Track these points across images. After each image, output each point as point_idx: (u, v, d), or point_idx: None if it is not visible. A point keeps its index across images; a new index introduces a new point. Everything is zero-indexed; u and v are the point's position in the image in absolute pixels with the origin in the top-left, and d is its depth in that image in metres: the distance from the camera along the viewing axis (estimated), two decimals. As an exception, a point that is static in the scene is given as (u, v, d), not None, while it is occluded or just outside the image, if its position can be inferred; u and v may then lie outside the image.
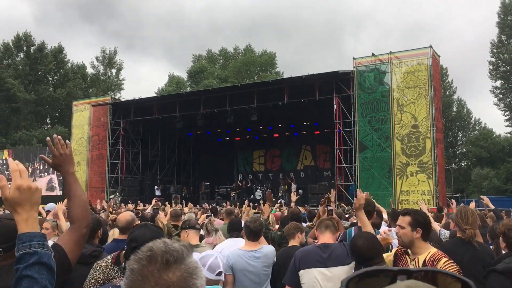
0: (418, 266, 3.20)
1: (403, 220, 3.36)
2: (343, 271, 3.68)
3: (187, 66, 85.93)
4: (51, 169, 29.54)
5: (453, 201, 8.08)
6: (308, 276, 3.73)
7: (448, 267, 3.12)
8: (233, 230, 5.33)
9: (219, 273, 2.85)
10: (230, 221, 5.92)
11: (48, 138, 2.25)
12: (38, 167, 30.43)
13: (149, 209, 9.05)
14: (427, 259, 3.21)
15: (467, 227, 4.00)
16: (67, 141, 2.30)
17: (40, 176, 30.26)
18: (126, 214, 4.96)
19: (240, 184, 26.65)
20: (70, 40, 77.75)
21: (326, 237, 3.96)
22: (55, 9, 76.01)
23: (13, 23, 66.04)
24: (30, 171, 30.63)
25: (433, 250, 3.32)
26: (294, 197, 8.78)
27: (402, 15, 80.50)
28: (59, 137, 2.27)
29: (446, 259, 3.21)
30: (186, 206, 14.75)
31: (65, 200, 6.65)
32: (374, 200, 5.71)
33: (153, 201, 9.40)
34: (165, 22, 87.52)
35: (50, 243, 4.13)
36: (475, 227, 4.11)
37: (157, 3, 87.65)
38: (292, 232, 4.90)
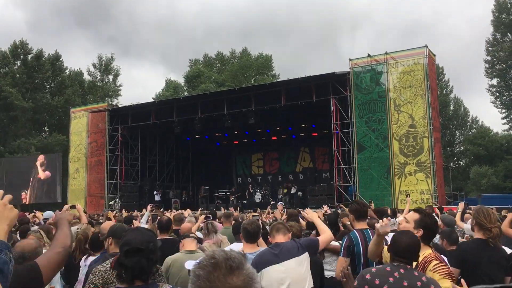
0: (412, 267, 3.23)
1: (412, 216, 3.49)
2: (295, 263, 3.94)
3: (183, 71, 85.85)
4: (47, 175, 29.52)
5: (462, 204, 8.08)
6: (265, 275, 3.91)
7: (439, 269, 3.15)
8: (239, 233, 5.34)
9: None
10: (234, 225, 5.98)
11: None
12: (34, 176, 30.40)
13: (145, 216, 9.04)
14: (419, 260, 3.23)
15: (492, 225, 3.99)
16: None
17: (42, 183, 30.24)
18: (108, 223, 5.06)
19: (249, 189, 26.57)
20: (64, 45, 77.13)
21: (278, 239, 4.21)
22: (48, 15, 75.70)
23: (6, 29, 65.81)
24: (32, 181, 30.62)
25: (427, 252, 3.34)
26: (280, 207, 9.07)
27: (398, 14, 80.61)
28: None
29: (437, 261, 3.24)
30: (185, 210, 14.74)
31: (66, 206, 6.70)
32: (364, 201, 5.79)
33: (148, 207, 9.38)
34: (160, 27, 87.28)
35: None
36: (497, 226, 4.12)
37: (151, 8, 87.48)
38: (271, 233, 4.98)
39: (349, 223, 5.89)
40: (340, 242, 4.74)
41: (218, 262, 1.21)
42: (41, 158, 30.69)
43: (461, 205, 7.78)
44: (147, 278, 2.43)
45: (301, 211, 7.40)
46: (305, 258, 4.04)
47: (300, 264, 3.96)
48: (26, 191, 30.12)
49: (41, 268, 2.19)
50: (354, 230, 4.60)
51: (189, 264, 2.92)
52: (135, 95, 75.12)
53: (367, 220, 4.84)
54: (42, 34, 71.89)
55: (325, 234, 4.48)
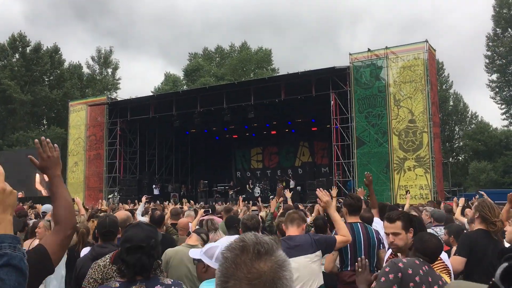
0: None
1: (396, 227, 3.33)
2: (306, 260, 3.75)
3: (182, 64, 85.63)
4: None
5: (462, 199, 8.07)
6: None
7: (437, 265, 3.16)
8: (230, 227, 5.33)
9: None
10: (227, 218, 5.90)
11: (36, 140, 2.32)
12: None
13: (140, 207, 9.01)
14: None
15: (496, 219, 4.01)
16: (55, 144, 2.36)
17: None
18: (121, 213, 4.99)
19: (249, 187, 26.56)
20: (62, 38, 76.74)
21: (291, 231, 4.00)
22: (46, 7, 75.22)
23: (4, 22, 65.43)
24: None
25: None
26: (288, 194, 8.77)
27: (398, 9, 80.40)
28: (48, 139, 2.33)
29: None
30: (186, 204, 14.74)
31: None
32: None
33: (143, 199, 9.35)
34: (158, 20, 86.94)
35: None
36: (500, 220, 4.13)
37: (149, 1, 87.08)
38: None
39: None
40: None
41: (246, 245, 1.18)
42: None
43: (461, 200, 7.79)
44: (148, 274, 2.44)
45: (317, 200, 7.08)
46: (317, 255, 3.87)
47: (312, 262, 3.80)
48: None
49: (49, 250, 2.05)
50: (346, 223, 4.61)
51: (193, 253, 2.90)
52: (133, 88, 74.99)
53: (361, 213, 4.88)
54: (39, 26, 71.63)
55: (343, 232, 4.04)
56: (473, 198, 7.99)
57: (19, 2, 74.89)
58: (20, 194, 30.47)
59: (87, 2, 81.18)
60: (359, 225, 4.54)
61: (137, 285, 2.41)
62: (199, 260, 2.79)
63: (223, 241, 4.92)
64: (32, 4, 74.28)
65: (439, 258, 3.22)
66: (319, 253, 3.86)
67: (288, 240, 3.90)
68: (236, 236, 4.21)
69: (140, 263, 2.38)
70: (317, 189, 4.30)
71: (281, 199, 9.24)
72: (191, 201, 15.86)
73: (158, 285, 2.45)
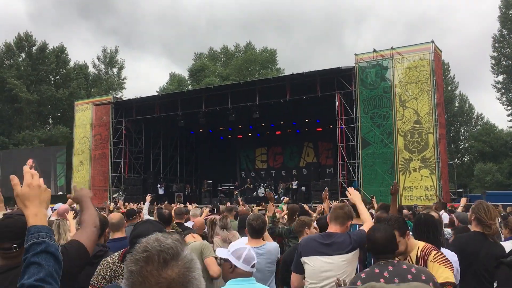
0: (412, 263, 3.26)
1: None
2: (341, 259, 3.69)
3: (186, 63, 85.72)
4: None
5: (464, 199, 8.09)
6: (309, 263, 3.77)
7: (439, 258, 3.17)
8: (243, 227, 5.32)
9: (254, 265, 2.89)
10: (239, 219, 5.91)
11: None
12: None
13: (145, 206, 9.04)
14: (418, 254, 3.28)
15: (492, 222, 3.99)
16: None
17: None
18: (115, 215, 5.05)
19: (249, 183, 26.57)
20: (66, 36, 76.65)
21: (333, 228, 3.93)
22: (50, 5, 75.17)
23: (7, 20, 65.53)
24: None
25: (421, 244, 3.39)
26: (285, 200, 8.90)
27: (404, 7, 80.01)
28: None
29: (436, 251, 3.28)
30: (190, 204, 14.81)
31: (69, 200, 6.69)
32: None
33: (147, 198, 9.39)
34: (162, 18, 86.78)
35: None
36: (496, 223, 4.11)
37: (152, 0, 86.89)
38: (300, 230, 4.89)
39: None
40: None
41: (150, 255, 1.14)
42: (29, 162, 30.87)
43: (463, 200, 7.81)
44: None
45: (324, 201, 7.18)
46: (355, 255, 3.80)
47: (349, 263, 3.72)
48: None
49: (85, 243, 2.26)
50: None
51: (220, 252, 2.95)
52: (137, 87, 74.96)
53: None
54: (43, 24, 71.64)
55: (369, 223, 4.05)
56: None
57: (23, 0, 75.00)
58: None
59: (90, 0, 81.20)
60: (357, 227, 4.55)
61: None
62: (226, 260, 2.82)
63: (242, 242, 4.92)
64: (35, 2, 74.39)
65: (438, 252, 3.21)
66: (357, 251, 3.84)
67: (326, 236, 3.84)
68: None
69: None
70: (348, 188, 4.60)
71: (287, 199, 9.28)
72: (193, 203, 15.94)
73: None
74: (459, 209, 7.37)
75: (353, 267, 3.78)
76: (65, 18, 77.05)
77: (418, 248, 3.32)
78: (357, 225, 4.61)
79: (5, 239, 2.24)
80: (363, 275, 2.91)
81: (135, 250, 1.17)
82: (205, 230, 6.53)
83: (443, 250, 3.58)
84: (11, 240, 2.23)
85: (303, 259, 3.79)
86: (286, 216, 7.77)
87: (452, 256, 3.66)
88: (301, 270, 3.84)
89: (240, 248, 2.88)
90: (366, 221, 4.16)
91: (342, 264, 3.68)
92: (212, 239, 6.10)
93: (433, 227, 3.88)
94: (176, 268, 1.14)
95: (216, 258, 4.18)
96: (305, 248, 3.83)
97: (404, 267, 2.82)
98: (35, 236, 1.59)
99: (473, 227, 4.20)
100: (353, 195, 4.45)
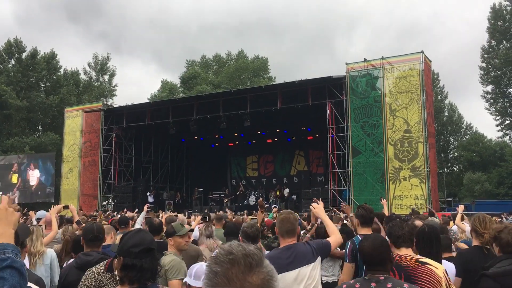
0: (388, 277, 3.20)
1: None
2: (307, 270, 3.59)
3: (176, 68, 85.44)
4: (37, 173, 29.40)
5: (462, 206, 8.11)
6: (280, 280, 3.67)
7: (424, 276, 3.14)
8: (230, 235, 5.30)
9: None
10: (226, 226, 5.88)
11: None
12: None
13: (140, 217, 8.97)
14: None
15: (485, 231, 3.99)
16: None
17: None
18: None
19: (241, 190, 26.53)
20: (54, 41, 75.01)
21: (288, 241, 3.73)
22: (38, 9, 74.28)
23: None
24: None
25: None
26: (274, 210, 8.87)
27: (395, 15, 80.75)
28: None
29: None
30: (180, 213, 14.73)
31: (58, 206, 6.60)
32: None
33: (145, 208, 9.32)
34: (152, 23, 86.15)
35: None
36: (489, 232, 4.09)
37: (142, 4, 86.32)
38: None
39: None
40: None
41: (236, 258, 1.14)
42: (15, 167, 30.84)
43: (461, 207, 7.83)
44: (155, 277, 2.40)
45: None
46: (318, 262, 3.74)
47: (314, 269, 3.65)
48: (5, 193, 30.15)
49: None
50: (358, 235, 4.55)
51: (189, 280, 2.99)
52: (126, 92, 74.18)
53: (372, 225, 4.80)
54: (30, 28, 70.68)
55: (335, 236, 4.03)
56: (457, 208, 8.03)
57: (9, 3, 74.01)
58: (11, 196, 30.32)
59: (78, 3, 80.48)
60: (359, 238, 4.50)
61: None
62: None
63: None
64: (23, 5, 73.37)
65: (429, 271, 3.14)
66: (319, 259, 3.75)
67: (287, 250, 3.68)
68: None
69: (151, 265, 2.34)
70: (313, 199, 4.38)
71: (275, 209, 9.27)
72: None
73: None
74: (458, 216, 7.40)
75: (318, 270, 3.69)
76: (53, 21, 76.20)
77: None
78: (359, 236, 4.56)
79: None
80: (344, 286, 2.86)
81: (218, 253, 1.18)
82: (196, 238, 6.47)
83: (443, 262, 3.57)
84: None
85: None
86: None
87: (451, 269, 3.66)
88: None
89: (193, 266, 2.90)
90: (333, 233, 4.07)
91: (308, 272, 3.59)
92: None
93: (436, 240, 3.85)
94: (261, 274, 1.13)
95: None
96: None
97: (389, 285, 2.69)
98: (1, 252, 1.65)
99: (473, 241, 4.21)
100: (317, 208, 4.34)
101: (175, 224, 4.39)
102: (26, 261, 4.43)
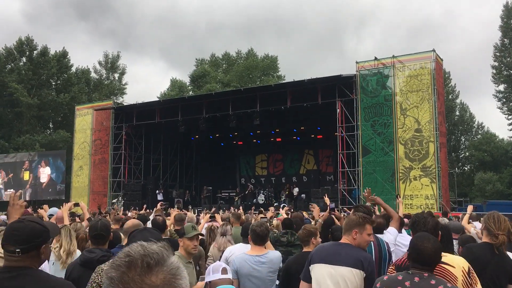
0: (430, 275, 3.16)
1: None
2: (347, 272, 3.49)
3: (184, 66, 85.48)
4: (48, 170, 29.65)
5: (471, 206, 8.00)
6: (315, 271, 3.62)
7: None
8: (247, 235, 5.24)
9: (225, 270, 2.85)
10: (243, 227, 5.83)
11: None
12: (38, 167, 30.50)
13: (153, 214, 9.01)
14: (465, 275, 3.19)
15: (500, 232, 3.90)
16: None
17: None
18: (133, 221, 4.97)
19: (250, 189, 26.53)
20: (63, 38, 75.44)
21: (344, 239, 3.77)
22: (47, 6, 74.46)
23: (3, 21, 65.31)
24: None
25: (464, 263, 3.30)
26: (283, 211, 8.83)
27: (406, 12, 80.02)
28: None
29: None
30: (188, 210, 14.74)
31: (69, 204, 6.63)
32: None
33: (158, 206, 9.36)
34: (160, 21, 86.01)
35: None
36: (507, 234, 3.99)
37: (151, 1, 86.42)
38: (306, 240, 4.81)
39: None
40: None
41: (133, 260, 1.06)
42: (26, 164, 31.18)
43: (469, 208, 7.71)
44: None
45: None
46: (359, 272, 3.52)
47: (352, 276, 3.49)
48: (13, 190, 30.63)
49: None
50: None
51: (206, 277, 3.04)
52: (134, 89, 74.28)
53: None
54: (40, 26, 71.00)
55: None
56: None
57: (19, 1, 74.33)
58: (17, 193, 30.73)
59: (87, 0, 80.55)
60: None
61: None
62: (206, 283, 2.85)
63: (229, 251, 4.82)
64: (32, 2, 73.65)
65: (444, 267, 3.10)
66: (360, 270, 3.62)
67: (338, 245, 3.69)
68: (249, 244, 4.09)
69: None
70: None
71: (286, 208, 9.25)
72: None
73: None
74: (465, 218, 7.29)
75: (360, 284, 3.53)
76: (62, 18, 76.27)
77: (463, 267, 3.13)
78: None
79: (10, 242, 2.31)
80: (385, 277, 2.88)
81: (117, 256, 1.10)
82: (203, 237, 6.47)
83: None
84: (16, 244, 2.29)
85: (311, 266, 3.66)
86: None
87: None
88: (308, 279, 3.69)
89: (209, 267, 2.91)
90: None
91: (346, 276, 3.47)
92: (209, 246, 6.07)
93: (449, 238, 3.82)
94: (161, 274, 1.06)
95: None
96: (315, 255, 3.69)
97: (433, 282, 2.70)
98: None
99: (483, 238, 4.14)
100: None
101: (187, 226, 4.37)
102: (51, 258, 4.47)
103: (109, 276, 1.06)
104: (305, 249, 4.73)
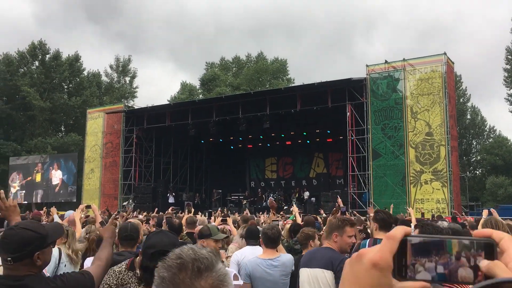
0: None
1: None
2: (319, 273, 3.60)
3: (193, 68, 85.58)
4: (59, 173, 29.89)
5: (490, 211, 7.91)
6: (300, 275, 3.81)
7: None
8: (251, 238, 5.25)
9: (236, 276, 2.86)
10: (247, 229, 5.83)
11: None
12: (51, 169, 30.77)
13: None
14: None
15: None
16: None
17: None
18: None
19: (259, 193, 26.54)
20: (73, 40, 75.75)
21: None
22: (56, 8, 75.13)
23: (13, 24, 65.94)
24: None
25: None
26: (295, 209, 8.78)
27: (416, 14, 79.42)
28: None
29: None
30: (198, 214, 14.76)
31: (81, 206, 6.69)
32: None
33: (169, 210, 9.42)
34: (169, 23, 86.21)
35: (56, 250, 4.21)
36: None
37: (159, 3, 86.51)
38: (305, 243, 4.83)
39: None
40: None
41: (184, 262, 1.11)
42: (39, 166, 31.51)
43: (485, 212, 7.65)
44: None
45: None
46: (332, 274, 3.62)
47: (326, 279, 3.59)
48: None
49: (94, 278, 2.56)
50: (370, 239, 4.51)
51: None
52: (144, 91, 74.45)
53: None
54: (50, 29, 71.45)
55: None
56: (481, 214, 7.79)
57: (29, 3, 74.98)
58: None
59: (97, 4, 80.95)
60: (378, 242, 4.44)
61: None
62: None
63: (240, 255, 4.82)
64: (42, 5, 74.36)
65: None
66: (332, 272, 3.73)
67: (319, 249, 3.86)
68: (257, 247, 4.12)
69: None
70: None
71: (296, 209, 9.23)
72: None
73: None
74: (482, 222, 7.24)
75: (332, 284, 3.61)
76: (72, 21, 76.66)
77: None
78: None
79: (3, 250, 2.24)
80: None
81: (168, 257, 1.16)
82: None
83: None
84: (7, 252, 2.22)
85: (299, 271, 3.83)
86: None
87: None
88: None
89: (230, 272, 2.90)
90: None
91: (320, 279, 3.60)
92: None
93: None
94: (210, 279, 1.10)
95: None
96: (302, 260, 3.89)
97: None
98: None
99: None
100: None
101: (212, 227, 4.39)
102: (63, 260, 4.52)
103: (160, 276, 1.12)
104: (304, 252, 4.79)
